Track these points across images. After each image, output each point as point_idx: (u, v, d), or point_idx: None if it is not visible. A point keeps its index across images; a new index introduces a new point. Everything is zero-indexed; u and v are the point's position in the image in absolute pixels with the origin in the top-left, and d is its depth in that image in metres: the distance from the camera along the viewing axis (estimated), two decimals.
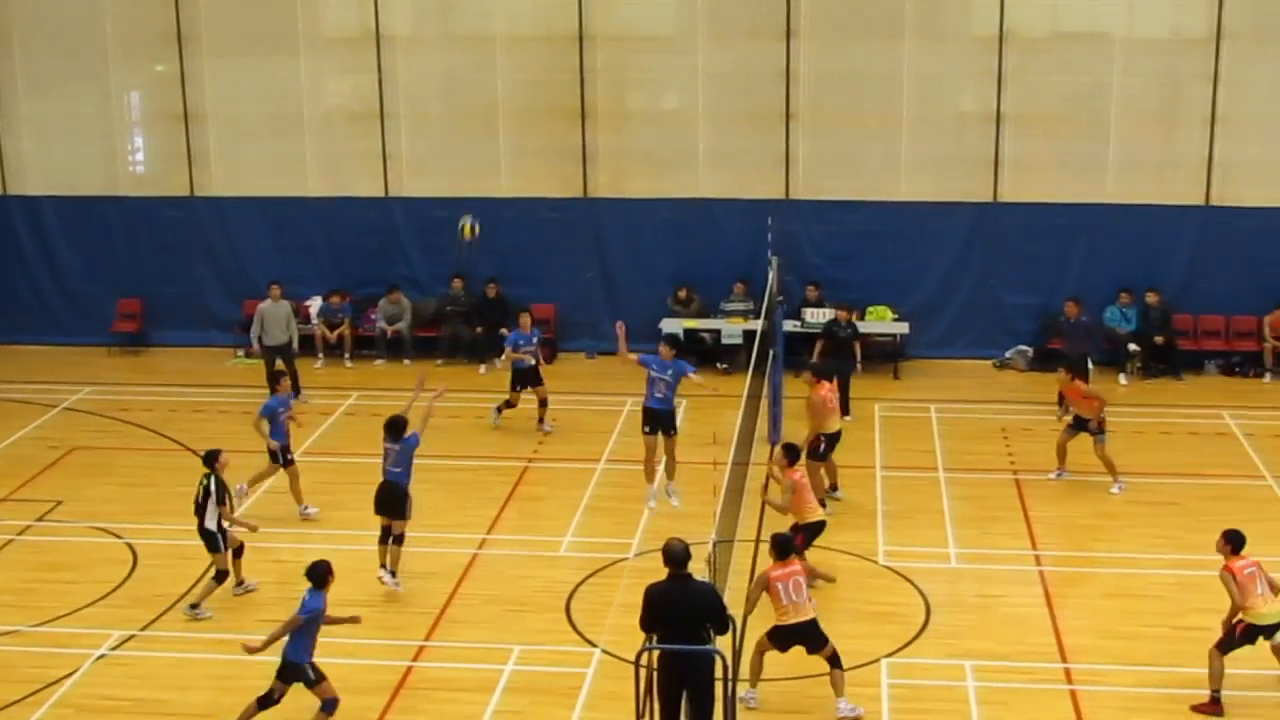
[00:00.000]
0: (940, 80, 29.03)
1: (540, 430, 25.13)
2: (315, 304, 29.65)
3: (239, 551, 19.01)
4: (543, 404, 25.30)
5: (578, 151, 29.46)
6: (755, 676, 16.14)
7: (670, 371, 21.58)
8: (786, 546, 16.18)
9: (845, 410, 25.53)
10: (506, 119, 29.58)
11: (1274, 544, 20.48)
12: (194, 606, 18.48)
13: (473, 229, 25.37)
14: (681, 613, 13.94)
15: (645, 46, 29.55)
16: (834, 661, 15.99)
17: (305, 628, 15.28)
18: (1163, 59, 28.57)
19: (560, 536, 20.95)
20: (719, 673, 13.95)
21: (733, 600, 15.37)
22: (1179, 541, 20.79)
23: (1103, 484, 22.54)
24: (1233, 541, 16.77)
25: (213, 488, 18.43)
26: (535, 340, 25.28)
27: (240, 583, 19.09)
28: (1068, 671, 17.06)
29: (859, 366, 26.22)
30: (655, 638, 14.08)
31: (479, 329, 29.06)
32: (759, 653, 16.12)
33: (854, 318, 26.84)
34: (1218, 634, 17.05)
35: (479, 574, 19.69)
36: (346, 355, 29.36)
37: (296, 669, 15.30)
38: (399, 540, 18.95)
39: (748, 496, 20.90)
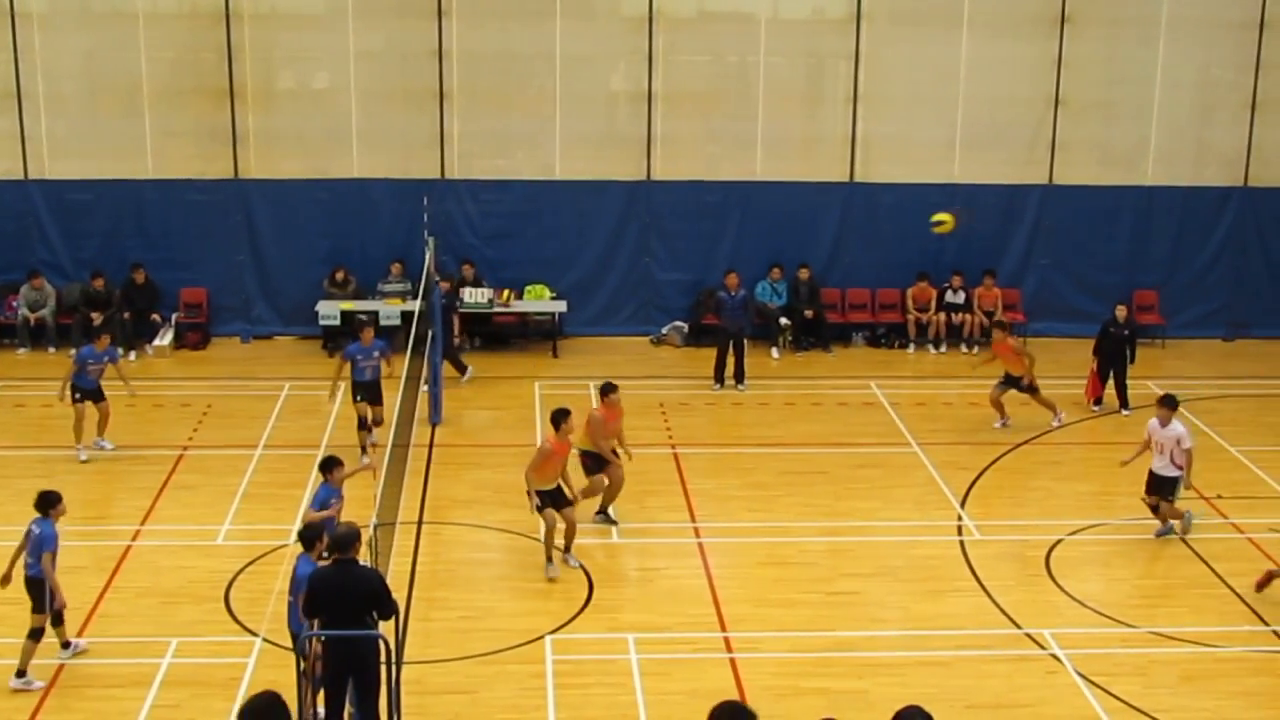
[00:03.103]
0: (591, 60, 29.26)
1: (360, 460, 20.98)
2: None
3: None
4: (375, 422, 22.51)
5: (226, 132, 28.79)
6: None
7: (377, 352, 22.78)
8: None
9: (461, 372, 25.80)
10: (151, 99, 28.68)
11: (920, 509, 21.42)
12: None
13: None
14: (345, 598, 13.80)
15: (294, 24, 29.02)
16: None
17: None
18: (806, 39, 29.37)
19: (217, 525, 20.50)
20: (383, 657, 13.87)
21: (395, 584, 15.27)
22: (828, 509, 21.45)
23: (754, 455, 23.18)
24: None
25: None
26: (377, 354, 22.63)
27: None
28: (727, 640, 17.42)
29: (460, 338, 27.33)
30: (317, 624, 13.92)
31: (127, 314, 28.19)
32: None
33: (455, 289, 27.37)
34: (868, 597, 17.63)
35: (132, 566, 19.14)
36: None
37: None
38: (32, 635, 16.24)
39: (408, 478, 20.80)
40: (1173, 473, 19.91)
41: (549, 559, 18.93)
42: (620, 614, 18.06)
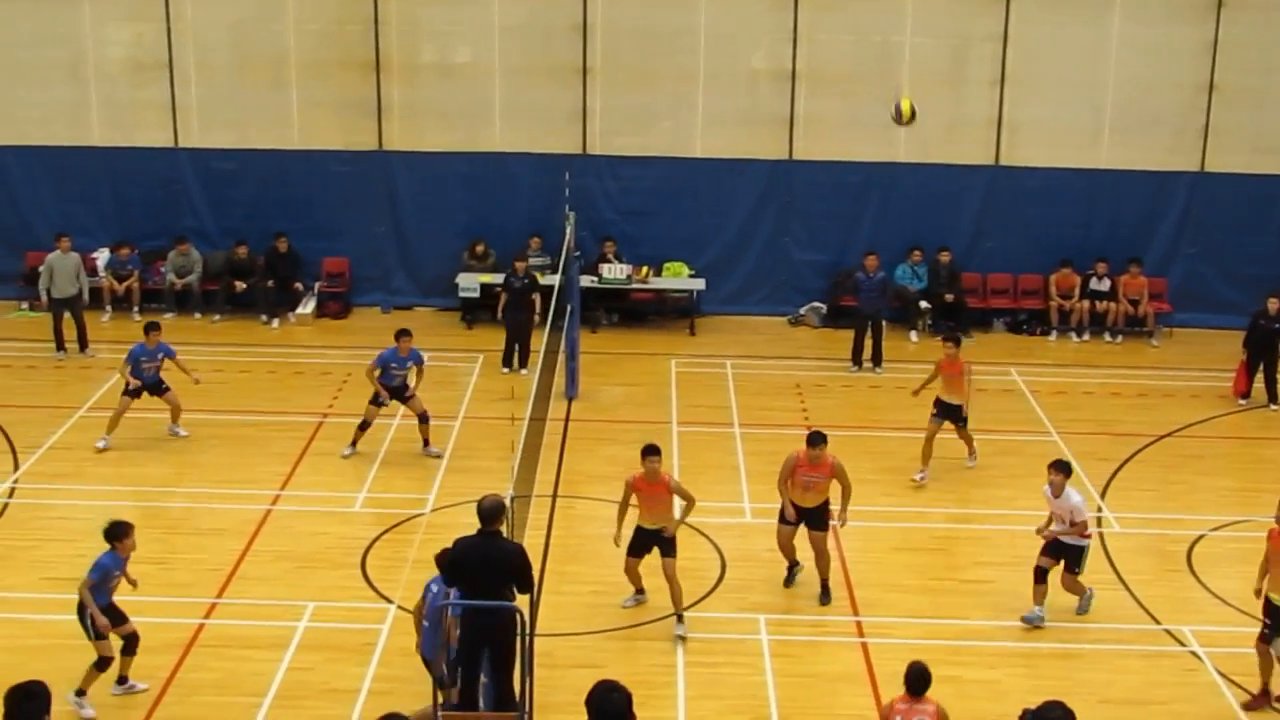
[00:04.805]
0: (734, 37, 29.12)
1: (426, 454, 21.97)
2: (103, 256, 28.93)
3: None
4: (422, 420, 22.06)
5: (371, 104, 29.06)
6: None
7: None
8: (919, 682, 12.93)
9: (524, 363, 25.50)
10: (298, 70, 29.04)
11: None
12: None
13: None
14: (486, 570, 13.86)
15: None
16: None
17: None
18: (951, 20, 28.96)
19: (354, 492, 20.74)
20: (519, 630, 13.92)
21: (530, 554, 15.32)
22: (964, 496, 21.25)
23: (890, 439, 22.96)
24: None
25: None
26: (410, 364, 22.01)
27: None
28: (858, 624, 17.33)
29: (537, 318, 25.98)
30: (454, 593, 14.00)
31: (270, 282, 28.57)
32: None
33: (532, 271, 26.74)
34: (1002, 586, 17.42)
35: (271, 530, 19.40)
36: (135, 308, 28.67)
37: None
38: (97, 664, 15.30)
39: (544, 452, 20.87)
40: (1079, 541, 17.22)
41: (635, 591, 17.68)
42: (751, 594, 18.01)
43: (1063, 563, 17.31)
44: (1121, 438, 23.40)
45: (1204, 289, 29.26)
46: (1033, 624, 17.26)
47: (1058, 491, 17.19)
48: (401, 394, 22.05)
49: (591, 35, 28.75)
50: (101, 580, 15.20)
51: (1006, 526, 20.16)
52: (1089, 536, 17.32)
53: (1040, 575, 17.33)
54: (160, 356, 22.33)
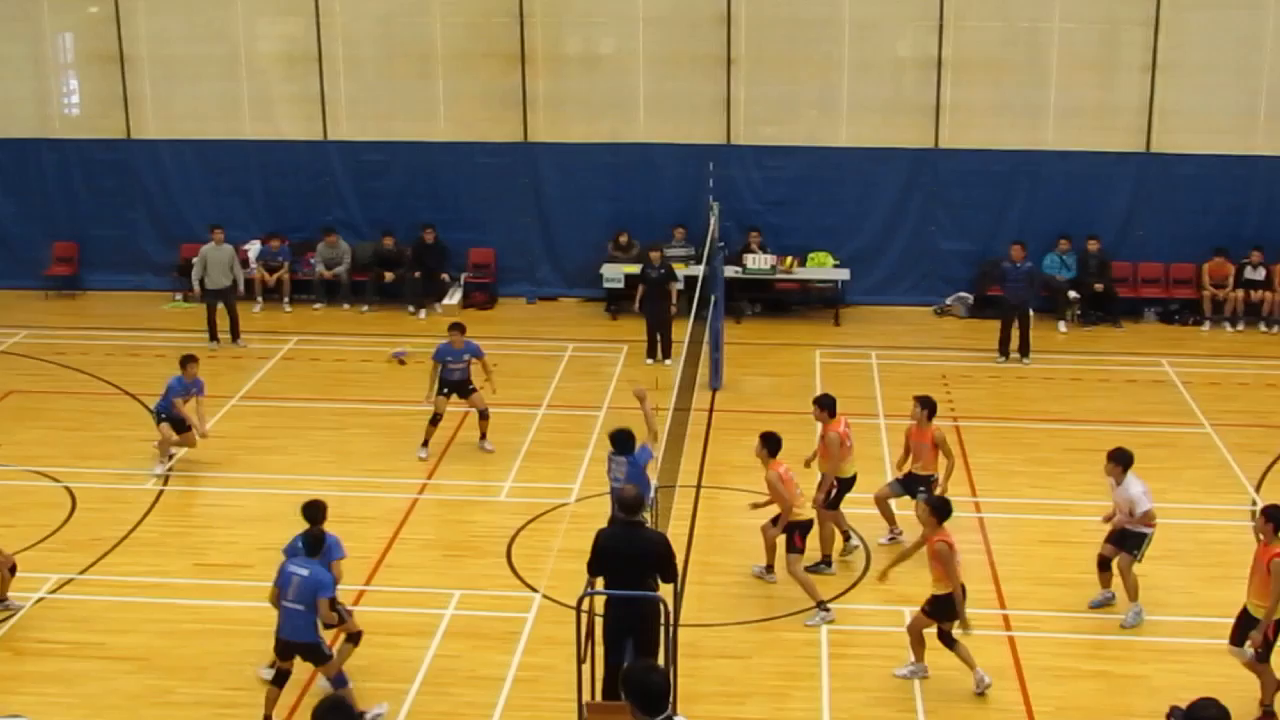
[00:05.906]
0: (880, 25, 28.96)
1: (482, 448, 22.02)
2: (254, 248, 29.43)
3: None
4: (482, 416, 22.01)
5: (516, 96, 29.26)
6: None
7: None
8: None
9: (667, 354, 25.49)
10: (444, 62, 29.36)
11: (1211, 492, 20.73)
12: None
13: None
14: (629, 559, 13.90)
15: None
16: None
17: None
18: (1102, 5, 28.54)
19: (501, 482, 20.90)
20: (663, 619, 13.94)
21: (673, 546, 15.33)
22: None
23: (1037, 430, 22.69)
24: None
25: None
26: (466, 357, 21.82)
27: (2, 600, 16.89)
28: (1005, 618, 17.13)
29: (675, 309, 26.14)
30: (598, 583, 14.05)
31: (417, 274, 28.88)
32: None
33: (669, 261, 26.85)
34: (1153, 580, 17.11)
35: (419, 519, 19.62)
36: (285, 299, 29.14)
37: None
38: (350, 639, 15.51)
39: (688, 443, 20.88)
40: (1141, 529, 16.83)
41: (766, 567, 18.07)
42: (897, 586, 17.79)
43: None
44: (1277, 429, 22.93)
45: None
46: (1101, 606, 17.24)
47: (1118, 480, 16.87)
48: (463, 389, 21.86)
49: (735, 25, 28.72)
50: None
51: (1158, 520, 19.72)
52: (1153, 526, 16.87)
53: (1103, 564, 17.19)
54: (194, 392, 21.12)
